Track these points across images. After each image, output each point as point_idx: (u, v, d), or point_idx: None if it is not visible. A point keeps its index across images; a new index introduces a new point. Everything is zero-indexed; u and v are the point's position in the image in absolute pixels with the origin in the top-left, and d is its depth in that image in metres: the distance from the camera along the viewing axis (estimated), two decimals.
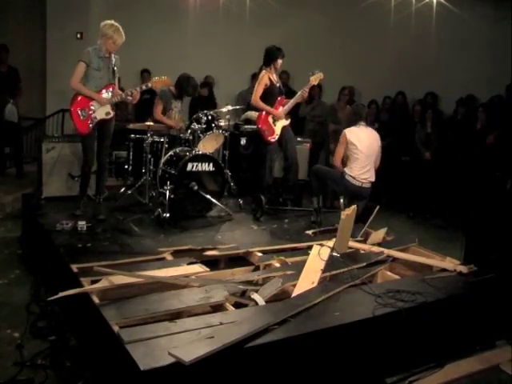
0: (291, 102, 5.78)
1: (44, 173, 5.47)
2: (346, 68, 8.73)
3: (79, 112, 4.72)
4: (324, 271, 3.75)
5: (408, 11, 9.13)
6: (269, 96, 5.72)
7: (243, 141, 6.72)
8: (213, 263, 4.15)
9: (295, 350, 2.89)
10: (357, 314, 3.23)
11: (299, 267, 3.81)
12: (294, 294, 3.41)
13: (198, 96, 7.55)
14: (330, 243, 4.16)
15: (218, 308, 3.25)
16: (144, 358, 2.48)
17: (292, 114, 6.04)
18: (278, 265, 3.99)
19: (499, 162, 6.56)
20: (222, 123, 5.88)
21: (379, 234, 4.80)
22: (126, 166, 5.65)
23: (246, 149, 6.73)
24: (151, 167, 5.41)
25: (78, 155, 5.32)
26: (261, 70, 5.93)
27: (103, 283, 3.31)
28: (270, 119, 5.75)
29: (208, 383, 2.63)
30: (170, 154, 5.34)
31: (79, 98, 4.73)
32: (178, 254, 4.12)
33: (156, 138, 5.53)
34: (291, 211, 5.68)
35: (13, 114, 7.10)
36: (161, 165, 5.30)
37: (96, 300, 3.12)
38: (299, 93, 5.76)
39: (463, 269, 4.02)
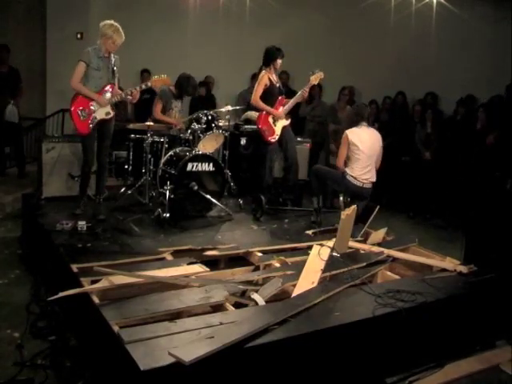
0: (291, 102, 5.78)
1: (44, 173, 5.47)
2: (346, 68, 8.73)
3: (79, 112, 4.72)
4: (324, 271, 3.76)
5: (408, 11, 9.12)
6: (269, 96, 5.72)
7: (243, 141, 6.71)
8: (213, 263, 4.16)
9: (295, 350, 2.89)
10: (357, 314, 3.23)
11: (299, 267, 3.81)
12: (293, 294, 3.41)
13: (197, 96, 7.55)
14: (330, 243, 4.16)
15: (218, 308, 3.25)
16: (144, 358, 2.48)
17: (292, 113, 6.04)
18: (277, 265, 3.99)
19: (499, 162, 6.55)
20: (222, 123, 5.88)
21: (379, 234, 4.80)
22: (126, 166, 5.65)
23: (246, 149, 6.73)
24: (151, 167, 5.41)
25: (78, 155, 5.32)
26: (260, 70, 5.94)
27: (103, 283, 3.31)
28: (270, 119, 5.75)
29: (208, 383, 2.63)
30: (169, 154, 5.34)
31: (79, 98, 4.74)
32: (178, 254, 4.12)
33: (156, 138, 5.53)
34: (291, 211, 5.68)
35: (13, 115, 7.10)
36: (161, 165, 5.30)
37: (96, 300, 3.12)
38: (299, 92, 5.76)
39: (463, 269, 4.02)
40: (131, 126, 5.76)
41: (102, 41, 4.73)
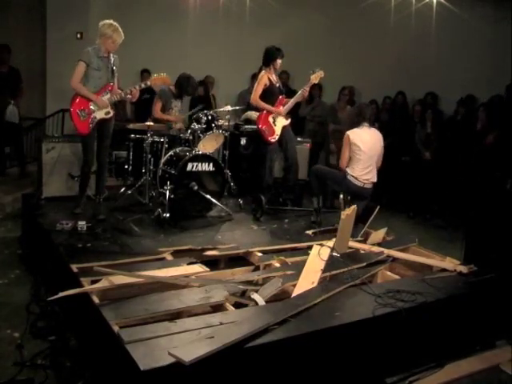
0: (292, 101, 5.78)
1: (44, 173, 5.48)
2: (345, 68, 8.73)
3: (79, 112, 4.72)
4: (324, 271, 3.75)
5: (408, 11, 9.13)
6: (269, 95, 5.73)
7: (243, 141, 6.72)
8: (213, 263, 4.15)
9: (295, 350, 2.89)
10: (357, 314, 3.23)
11: (299, 267, 3.81)
12: (294, 294, 3.41)
13: (197, 96, 7.55)
14: (330, 243, 4.16)
15: (218, 308, 3.24)
16: (144, 358, 2.48)
17: (292, 113, 6.04)
18: (277, 265, 3.99)
19: (499, 162, 6.56)
20: (222, 123, 5.88)
21: (379, 234, 4.80)
22: (126, 166, 5.65)
23: (246, 149, 6.73)
24: (151, 167, 5.41)
25: (78, 155, 5.32)
26: (260, 70, 5.94)
27: (103, 283, 3.31)
28: (271, 119, 5.75)
29: (208, 383, 2.63)
30: (170, 154, 5.34)
31: (78, 99, 4.74)
32: (178, 254, 4.12)
33: (156, 138, 5.52)
34: (291, 211, 5.68)
35: (14, 115, 7.09)
36: (161, 165, 5.30)
37: (96, 300, 3.12)
38: (300, 92, 5.76)
39: (463, 269, 4.02)
40: (131, 126, 5.76)
41: (101, 40, 4.73)
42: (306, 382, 2.97)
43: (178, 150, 5.39)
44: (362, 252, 4.36)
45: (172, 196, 4.96)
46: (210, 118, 5.60)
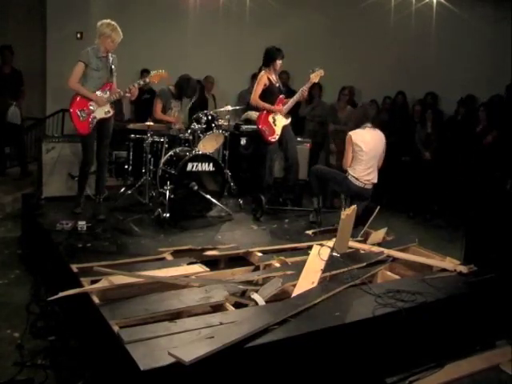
0: (292, 101, 5.78)
1: (44, 173, 5.48)
2: (345, 68, 8.73)
3: (78, 113, 4.72)
4: (324, 271, 3.76)
5: (408, 11, 9.13)
6: (269, 95, 5.73)
7: (243, 141, 6.71)
8: (213, 263, 4.15)
9: (295, 350, 2.89)
10: (357, 314, 3.23)
11: (299, 267, 3.81)
12: (294, 294, 3.41)
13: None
14: (330, 243, 4.16)
15: (218, 308, 3.24)
16: (144, 358, 2.48)
17: (292, 113, 6.04)
18: (277, 265, 3.99)
19: (499, 162, 6.56)
20: (222, 123, 5.88)
21: (379, 234, 4.80)
22: (126, 166, 5.64)
23: (246, 149, 6.73)
24: (151, 167, 5.41)
25: (78, 155, 5.32)
26: (260, 70, 5.94)
27: (103, 283, 3.31)
28: (271, 119, 5.75)
29: (208, 383, 2.63)
30: (170, 154, 5.34)
31: (78, 99, 4.74)
32: (178, 254, 4.12)
33: (156, 138, 5.52)
34: (291, 211, 5.68)
35: (16, 116, 7.10)
36: (161, 165, 5.30)
37: (96, 300, 3.12)
38: (299, 91, 5.76)
39: (463, 269, 4.02)
40: (131, 125, 5.76)
41: (100, 40, 4.74)
42: (306, 382, 2.97)
43: (178, 149, 5.39)
44: (362, 252, 4.36)
45: (172, 196, 4.96)
46: (209, 117, 5.60)
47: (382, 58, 9.04)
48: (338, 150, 7.48)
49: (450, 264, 4.16)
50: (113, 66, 4.82)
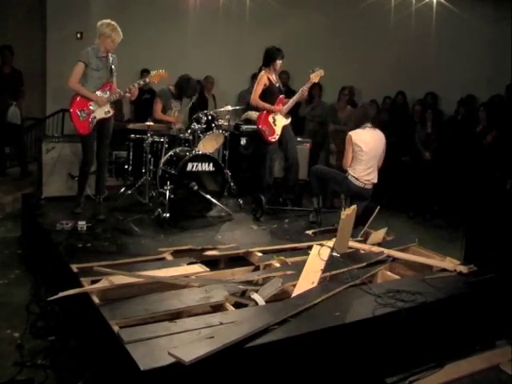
0: (291, 101, 5.78)
1: (44, 173, 5.48)
2: (345, 68, 8.73)
3: (78, 113, 4.72)
4: (324, 271, 3.76)
5: (408, 11, 9.13)
6: (268, 95, 5.73)
7: (243, 141, 6.71)
8: (213, 263, 4.15)
9: (295, 350, 2.89)
10: (357, 314, 3.23)
11: (299, 267, 3.81)
12: (294, 294, 3.41)
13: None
14: (330, 243, 4.16)
15: (218, 308, 3.24)
16: (144, 358, 2.48)
17: (292, 113, 6.04)
18: (277, 265, 3.99)
19: (499, 162, 6.56)
20: (222, 123, 5.88)
21: (379, 234, 4.80)
22: (126, 166, 5.64)
23: (246, 149, 6.73)
24: (151, 167, 5.41)
25: (78, 155, 5.31)
26: (260, 70, 5.94)
27: (103, 283, 3.31)
28: (271, 119, 5.75)
29: (208, 383, 2.63)
30: (170, 154, 5.34)
31: (78, 99, 4.74)
32: (178, 254, 4.12)
33: (156, 138, 5.52)
34: (291, 211, 5.68)
35: (16, 117, 7.09)
36: (161, 165, 5.30)
37: (96, 300, 3.12)
38: (299, 91, 5.76)
39: (463, 269, 4.02)
40: (131, 126, 5.76)
41: (100, 40, 4.74)
42: (306, 382, 2.97)
43: (178, 150, 5.39)
44: (362, 252, 4.36)
45: (172, 196, 4.96)
46: (210, 117, 5.60)
47: (381, 57, 9.04)
48: (338, 150, 7.49)
49: (450, 264, 4.16)
50: (113, 66, 4.82)
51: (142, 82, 5.07)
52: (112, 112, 4.91)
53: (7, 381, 2.95)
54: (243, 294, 3.43)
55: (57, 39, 8.10)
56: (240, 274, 3.91)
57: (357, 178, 5.17)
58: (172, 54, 8.06)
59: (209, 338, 2.67)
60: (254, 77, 7.12)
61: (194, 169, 5.10)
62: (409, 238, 4.87)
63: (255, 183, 6.05)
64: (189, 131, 5.53)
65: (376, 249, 4.41)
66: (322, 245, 4.14)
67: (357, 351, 3.14)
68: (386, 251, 4.35)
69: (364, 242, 4.67)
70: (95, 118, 4.78)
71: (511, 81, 7.59)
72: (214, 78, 8.48)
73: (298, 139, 6.79)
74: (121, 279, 3.32)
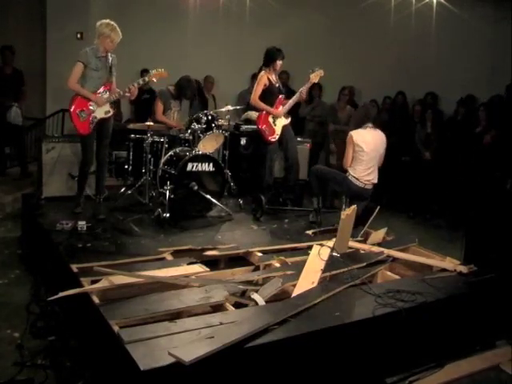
0: (291, 102, 5.78)
1: (44, 173, 5.48)
2: (345, 68, 8.73)
3: (78, 113, 4.72)
4: (324, 271, 3.75)
5: (408, 11, 9.13)
6: (268, 95, 5.73)
7: (243, 141, 6.71)
8: (213, 263, 4.15)
9: (295, 350, 2.89)
10: (357, 314, 3.23)
11: (299, 267, 3.81)
12: (294, 294, 3.41)
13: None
14: (330, 243, 4.16)
15: (218, 308, 3.24)
16: (144, 358, 2.48)
17: (292, 113, 6.04)
18: (277, 265, 3.99)
19: (499, 162, 6.55)
20: (222, 123, 5.88)
21: (379, 234, 4.80)
22: (126, 166, 5.65)
23: (246, 149, 6.73)
24: (151, 167, 5.41)
25: (78, 155, 5.31)
26: (260, 70, 5.94)
27: (103, 283, 3.31)
28: (270, 119, 5.75)
29: (208, 383, 2.63)
30: (170, 154, 5.34)
31: (77, 99, 4.74)
32: (178, 254, 4.12)
33: (156, 138, 5.53)
34: (291, 211, 5.68)
35: (18, 118, 7.08)
36: (161, 165, 5.30)
37: (96, 300, 3.12)
38: (298, 92, 5.77)
39: (463, 269, 4.02)
40: (131, 125, 5.77)
41: (99, 40, 4.74)
42: (306, 382, 2.97)
43: (178, 150, 5.39)
44: (362, 252, 4.36)
45: (172, 196, 4.96)
46: (209, 117, 5.60)
47: (382, 58, 9.05)
48: (337, 150, 7.49)
49: (450, 264, 4.16)
50: (112, 66, 4.82)
51: (141, 82, 5.08)
52: (112, 112, 4.91)
53: (7, 381, 2.95)
54: (243, 293, 3.43)
55: (57, 39, 8.10)
56: (240, 273, 3.91)
57: (357, 178, 5.16)
58: (172, 54, 8.07)
59: (209, 338, 2.67)
60: (254, 77, 7.12)
61: (194, 169, 5.10)
62: (409, 238, 4.87)
63: (255, 183, 6.05)
64: (189, 131, 5.53)
65: (376, 249, 4.41)
66: (321, 245, 4.14)
67: (357, 351, 3.14)
68: (386, 251, 4.34)
69: (364, 241, 4.67)
70: (95, 118, 4.78)
71: (511, 81, 7.59)
72: (213, 78, 8.48)
73: (298, 139, 6.79)
74: (121, 279, 3.32)
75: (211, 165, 5.19)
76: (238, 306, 3.29)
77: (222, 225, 5.09)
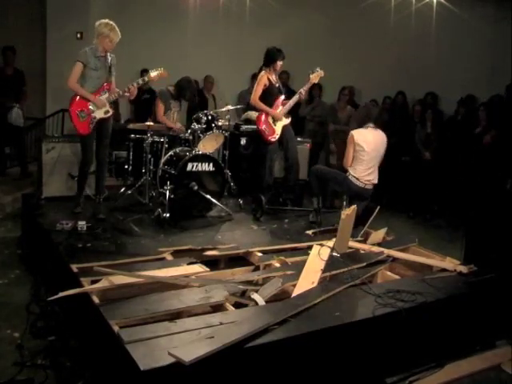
0: (290, 102, 5.78)
1: (44, 173, 5.48)
2: (345, 68, 8.73)
3: (78, 113, 4.73)
4: (324, 271, 3.75)
5: (408, 11, 9.13)
6: (268, 96, 5.73)
7: (243, 141, 6.71)
8: (213, 263, 4.15)
9: (295, 350, 2.89)
10: (357, 314, 3.23)
11: (299, 267, 3.81)
12: (294, 294, 3.41)
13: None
14: (330, 243, 4.16)
15: (218, 308, 3.24)
16: (144, 358, 2.48)
17: (292, 113, 6.04)
18: (277, 265, 3.99)
19: (499, 162, 6.55)
20: (222, 123, 5.88)
21: (379, 234, 4.80)
22: (126, 166, 5.65)
23: (246, 149, 6.73)
24: (151, 167, 5.41)
25: (78, 155, 5.31)
26: (260, 70, 5.94)
27: (103, 283, 3.31)
28: (270, 119, 5.75)
29: (208, 383, 2.63)
30: (169, 154, 5.34)
31: (77, 100, 4.74)
32: (178, 254, 4.12)
33: (156, 138, 5.53)
34: (291, 211, 5.68)
35: (19, 119, 7.08)
36: (161, 165, 5.30)
37: (96, 300, 3.12)
38: (297, 93, 5.77)
39: (463, 269, 4.02)
40: (131, 125, 5.76)
41: (98, 40, 4.74)
42: (306, 382, 2.97)
43: (178, 150, 5.40)
44: (362, 252, 4.36)
45: (172, 196, 4.96)
46: (209, 117, 5.60)
47: (382, 57, 9.04)
48: (337, 150, 7.49)
49: (450, 264, 4.16)
50: (112, 66, 4.82)
51: (141, 82, 5.08)
52: (111, 112, 4.91)
53: (7, 381, 2.95)
54: (243, 294, 3.43)
55: (57, 39, 8.10)
56: (240, 273, 3.91)
57: (357, 178, 5.16)
58: (172, 54, 8.07)
59: (209, 338, 2.67)
60: (254, 77, 7.13)
61: (194, 169, 5.10)
62: (409, 238, 4.87)
63: (255, 183, 6.05)
64: (189, 131, 5.54)
65: (376, 249, 4.41)
66: (322, 245, 4.14)
67: (357, 351, 3.14)
68: (386, 251, 4.34)
69: (364, 241, 4.67)
70: (95, 118, 4.78)
71: (511, 81, 7.58)
72: (213, 78, 8.48)
73: (298, 139, 6.79)
74: (121, 279, 3.32)
75: (211, 165, 5.19)
76: (238, 305, 3.29)
77: (222, 225, 5.09)
